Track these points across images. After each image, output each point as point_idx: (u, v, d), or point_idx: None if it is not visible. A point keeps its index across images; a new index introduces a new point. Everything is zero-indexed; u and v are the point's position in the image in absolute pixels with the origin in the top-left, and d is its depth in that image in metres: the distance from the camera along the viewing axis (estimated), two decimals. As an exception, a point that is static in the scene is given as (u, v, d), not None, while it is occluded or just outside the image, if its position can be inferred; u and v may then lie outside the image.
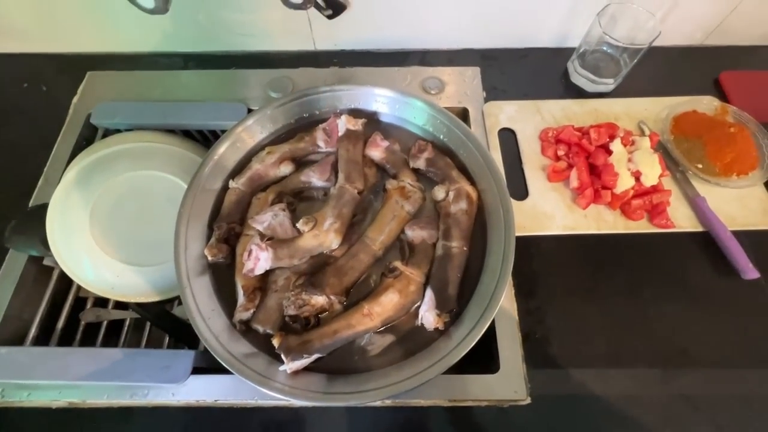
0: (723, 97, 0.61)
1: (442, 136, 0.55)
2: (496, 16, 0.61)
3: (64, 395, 0.43)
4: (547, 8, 0.60)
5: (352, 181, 0.51)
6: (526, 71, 0.64)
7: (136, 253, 0.52)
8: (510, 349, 0.45)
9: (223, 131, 0.56)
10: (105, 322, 0.56)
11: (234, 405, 0.43)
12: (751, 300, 0.47)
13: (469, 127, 0.59)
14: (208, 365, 0.46)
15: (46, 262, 0.52)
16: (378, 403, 0.43)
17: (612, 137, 0.52)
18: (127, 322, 0.57)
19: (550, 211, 0.52)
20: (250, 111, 0.59)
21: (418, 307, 0.47)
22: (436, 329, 0.45)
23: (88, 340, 0.55)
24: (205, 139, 0.65)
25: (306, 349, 0.42)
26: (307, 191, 0.56)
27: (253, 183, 0.53)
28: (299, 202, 0.55)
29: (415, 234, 0.50)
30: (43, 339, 0.51)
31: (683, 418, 0.43)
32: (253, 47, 0.65)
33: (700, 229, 0.51)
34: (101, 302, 0.57)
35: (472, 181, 0.52)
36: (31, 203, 0.54)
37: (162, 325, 0.53)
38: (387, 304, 0.45)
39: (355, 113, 0.57)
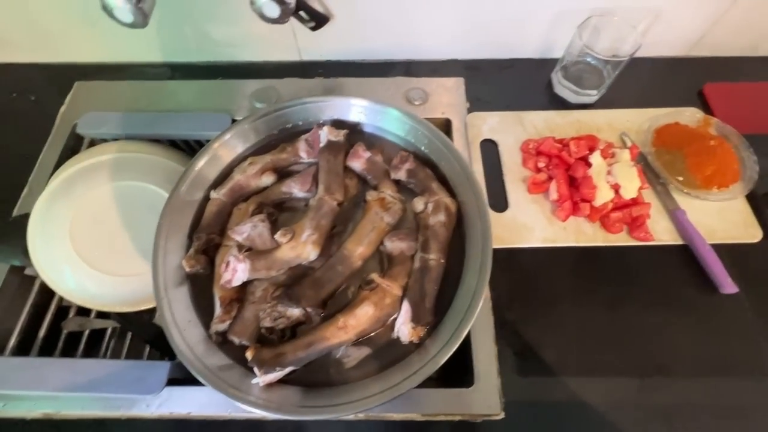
0: (707, 108, 0.61)
1: (423, 147, 0.55)
2: (480, 27, 0.61)
3: (40, 406, 0.43)
4: (530, 19, 0.60)
5: (331, 192, 0.51)
6: (510, 82, 0.64)
7: (118, 263, 0.52)
8: (485, 362, 0.45)
9: (208, 141, 0.56)
10: (87, 332, 0.56)
11: (208, 418, 0.43)
12: (729, 314, 0.47)
13: (452, 137, 0.59)
14: (184, 376, 0.46)
15: (28, 271, 0.53)
16: (351, 417, 0.43)
17: (592, 149, 0.52)
18: (109, 331, 0.57)
19: (529, 223, 0.52)
20: (234, 121, 0.60)
21: (395, 319, 0.47)
22: (412, 342, 0.45)
23: (69, 349, 0.55)
24: (191, 149, 0.65)
25: (279, 362, 0.42)
26: (289, 202, 0.56)
27: (234, 193, 0.54)
28: (281, 212, 0.55)
29: (394, 246, 0.50)
30: (23, 348, 0.51)
31: (660, 430, 0.42)
32: (239, 58, 0.66)
33: (680, 242, 0.51)
34: (84, 311, 0.57)
35: (452, 193, 0.52)
36: (15, 213, 0.54)
37: (142, 334, 0.53)
38: (362, 316, 0.45)
39: (338, 124, 0.57)
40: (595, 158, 0.51)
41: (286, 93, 0.63)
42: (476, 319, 0.47)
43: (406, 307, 0.46)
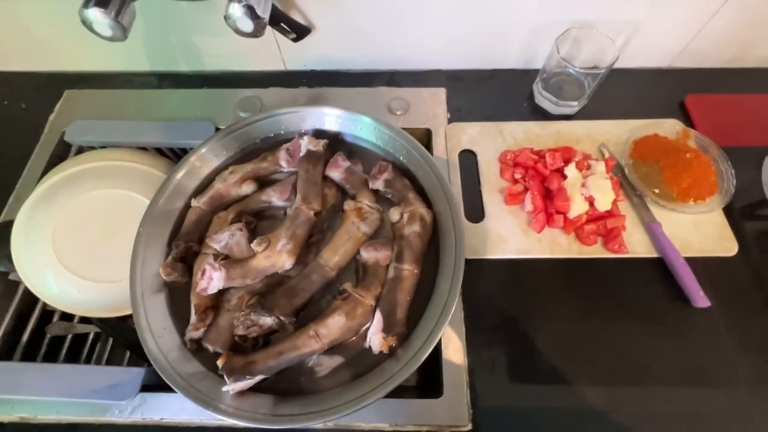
0: (688, 120, 0.61)
1: (401, 158, 0.56)
2: (461, 38, 0.62)
3: (17, 410, 0.44)
4: (511, 31, 0.61)
5: (308, 201, 0.52)
6: (491, 93, 0.64)
7: (99, 270, 0.53)
8: (455, 373, 0.45)
9: (192, 148, 0.57)
10: (70, 336, 0.57)
11: (180, 424, 0.44)
12: (701, 327, 0.47)
13: (432, 147, 0.60)
14: (160, 383, 0.47)
15: (12, 277, 0.54)
16: (320, 426, 0.44)
17: (567, 161, 0.52)
18: (92, 336, 0.58)
19: (505, 234, 0.52)
20: (217, 129, 0.60)
21: (368, 329, 0.47)
22: (383, 352, 0.45)
23: (53, 353, 0.56)
24: (177, 157, 0.66)
25: (249, 371, 0.43)
26: (268, 211, 0.57)
27: (214, 202, 0.55)
28: (262, 221, 0.56)
29: (370, 255, 0.51)
30: (6, 352, 0.52)
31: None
32: (225, 67, 0.67)
33: (655, 255, 0.51)
34: (67, 316, 0.58)
35: (429, 204, 0.53)
36: (1, 219, 0.56)
37: (122, 340, 0.54)
38: (333, 326, 0.45)
39: (319, 134, 0.58)
40: (570, 170, 0.51)
41: (269, 102, 0.64)
42: (448, 329, 0.48)
43: (378, 317, 0.46)
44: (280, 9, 0.55)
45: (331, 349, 0.47)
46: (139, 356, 0.56)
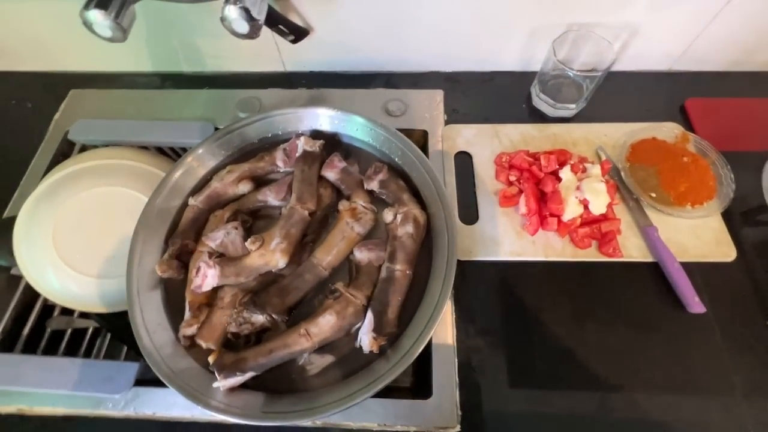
0: (688, 123, 0.60)
1: (397, 159, 0.56)
2: (459, 40, 0.62)
3: (15, 401, 0.45)
4: (509, 33, 0.61)
5: (303, 201, 0.52)
6: (489, 95, 0.64)
7: (98, 266, 0.54)
8: (445, 375, 0.45)
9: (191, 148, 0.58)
10: (69, 330, 0.58)
11: (171, 419, 0.45)
12: (696, 334, 0.46)
13: (428, 149, 0.60)
14: (153, 378, 0.47)
15: (14, 271, 0.55)
16: (309, 424, 0.44)
17: (563, 164, 0.52)
18: (90, 331, 0.59)
19: (498, 236, 0.52)
20: (216, 129, 0.61)
21: (359, 328, 0.47)
22: (372, 351, 0.45)
23: (53, 347, 0.57)
24: (177, 155, 0.67)
25: (239, 367, 0.43)
26: (265, 210, 0.57)
27: (211, 201, 0.55)
28: (258, 220, 0.57)
29: (363, 255, 0.51)
30: (8, 345, 0.53)
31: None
32: (226, 68, 0.68)
33: (650, 259, 0.50)
34: (67, 311, 0.59)
35: (423, 205, 0.53)
36: (5, 215, 0.57)
37: (119, 335, 0.55)
38: (324, 325, 0.46)
39: (316, 135, 0.59)
40: (565, 173, 0.51)
41: (268, 103, 0.64)
42: (438, 331, 0.48)
43: (369, 317, 0.47)
44: (278, 11, 0.55)
45: (322, 348, 0.47)
46: (135, 351, 0.57)
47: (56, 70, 0.70)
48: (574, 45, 0.59)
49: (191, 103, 0.65)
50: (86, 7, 0.43)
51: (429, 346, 0.47)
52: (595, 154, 0.57)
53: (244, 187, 0.56)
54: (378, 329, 0.46)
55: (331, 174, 0.56)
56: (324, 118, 0.56)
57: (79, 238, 0.54)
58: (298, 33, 0.58)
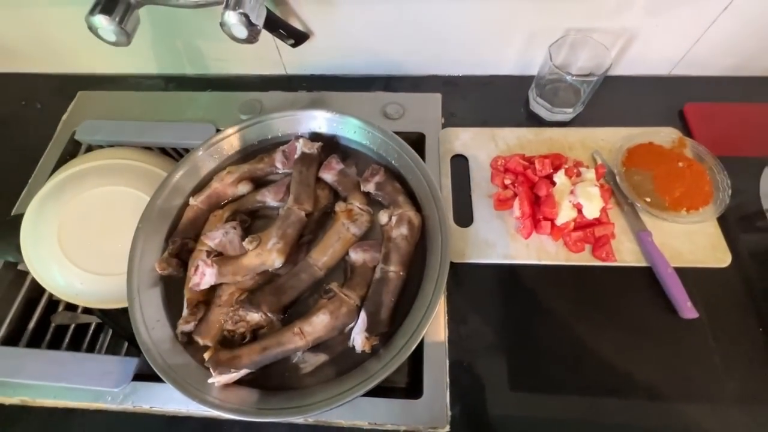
0: (687, 128, 0.60)
1: (393, 161, 0.57)
2: (457, 44, 0.62)
3: (18, 393, 0.47)
4: (507, 37, 0.61)
5: (300, 202, 0.53)
6: (487, 98, 0.65)
7: (101, 263, 0.55)
8: (436, 375, 0.46)
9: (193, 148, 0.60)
10: (73, 325, 0.60)
11: (168, 413, 0.46)
12: (688, 339, 0.46)
13: (425, 152, 0.61)
14: (151, 373, 0.49)
15: (21, 267, 0.57)
16: (301, 421, 0.45)
17: (557, 168, 0.53)
18: (93, 326, 0.60)
19: (492, 239, 0.52)
20: (218, 131, 0.62)
21: (353, 328, 0.48)
22: (365, 351, 0.46)
23: (57, 341, 0.59)
24: (180, 156, 0.69)
25: (234, 364, 0.44)
26: (263, 210, 0.58)
27: (211, 201, 0.57)
28: (256, 220, 0.58)
29: (358, 256, 0.52)
30: (13, 339, 0.55)
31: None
32: (228, 71, 0.69)
33: (644, 264, 0.50)
34: (72, 306, 0.61)
35: (418, 207, 0.54)
36: (13, 212, 0.59)
37: (120, 331, 0.57)
38: (318, 324, 0.47)
39: (315, 137, 0.60)
40: (560, 177, 0.51)
41: (269, 105, 0.65)
42: (430, 332, 0.49)
43: (362, 317, 0.47)
44: (279, 16, 0.56)
45: (316, 347, 0.48)
46: (135, 347, 0.58)
47: (65, 72, 0.72)
48: (571, 49, 0.59)
49: (194, 104, 0.67)
50: (91, 12, 0.45)
51: (421, 346, 0.48)
52: (591, 158, 0.58)
53: (244, 188, 0.57)
54: (371, 329, 0.46)
55: (328, 176, 0.57)
56: (321, 121, 0.57)
57: (84, 235, 0.55)
58: (298, 37, 0.59)
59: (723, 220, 0.52)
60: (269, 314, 0.48)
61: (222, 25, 0.45)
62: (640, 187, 0.53)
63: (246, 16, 0.44)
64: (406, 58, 0.65)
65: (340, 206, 0.55)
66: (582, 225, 0.50)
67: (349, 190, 0.57)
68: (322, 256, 0.52)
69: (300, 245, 0.54)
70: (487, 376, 0.46)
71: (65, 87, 0.70)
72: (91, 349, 0.62)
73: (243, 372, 0.45)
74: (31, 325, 0.57)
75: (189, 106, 0.67)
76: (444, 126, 0.62)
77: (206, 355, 0.45)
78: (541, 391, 0.45)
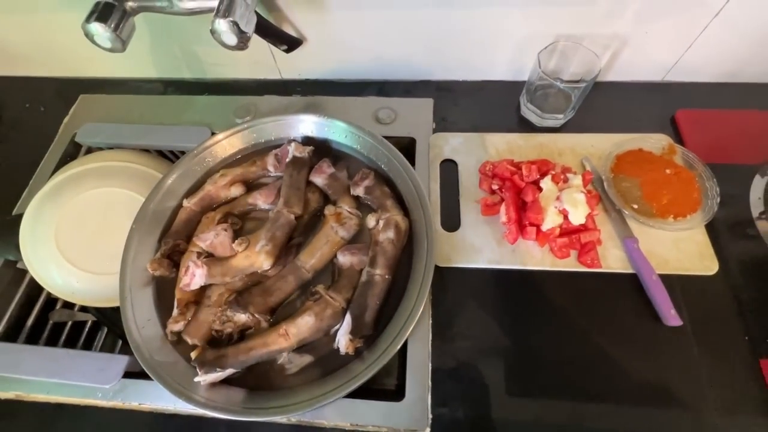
0: (678, 135, 0.60)
1: (383, 166, 0.57)
2: (449, 50, 0.63)
3: (13, 388, 0.48)
4: (497, 43, 0.61)
5: (290, 205, 0.54)
6: (479, 104, 0.65)
7: (97, 263, 0.57)
8: (418, 378, 0.46)
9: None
10: (70, 323, 0.61)
11: (155, 410, 0.47)
12: (672, 346, 0.46)
13: (415, 156, 0.61)
14: (142, 371, 0.50)
15: (20, 265, 0.58)
16: (284, 420, 0.46)
17: (544, 174, 0.53)
18: (89, 324, 0.62)
19: (478, 244, 0.53)
20: (213, 134, 0.63)
21: (338, 330, 0.49)
22: (348, 353, 0.47)
23: (54, 338, 0.60)
24: (177, 158, 0.70)
25: (220, 363, 0.45)
26: (255, 213, 0.59)
27: (204, 203, 0.58)
28: (248, 222, 0.59)
29: (345, 259, 0.52)
30: (12, 335, 0.57)
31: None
32: (225, 75, 0.71)
33: (630, 270, 0.50)
34: (69, 304, 0.62)
35: (406, 212, 0.54)
36: (14, 212, 0.61)
37: (115, 329, 0.58)
38: (303, 325, 0.47)
39: (307, 141, 0.60)
40: (546, 183, 0.51)
41: (263, 109, 0.67)
42: (414, 335, 0.49)
43: (347, 319, 0.48)
44: (271, 22, 0.58)
45: (302, 348, 0.49)
46: (128, 345, 0.60)
47: (68, 76, 0.74)
48: (562, 56, 0.60)
49: (191, 108, 0.68)
50: (87, 20, 0.46)
51: (405, 349, 0.48)
52: (581, 164, 0.58)
53: (236, 191, 0.58)
54: (355, 331, 0.47)
55: (319, 179, 0.58)
56: (311, 125, 0.58)
57: (81, 235, 0.57)
58: (291, 43, 0.60)
59: (712, 228, 0.52)
60: (256, 315, 0.49)
61: (212, 32, 0.46)
62: (628, 194, 0.53)
63: (236, 24, 0.45)
64: (399, 64, 0.66)
65: (329, 209, 0.56)
66: (568, 231, 0.51)
67: (338, 194, 0.57)
68: (310, 259, 0.53)
69: (290, 247, 0.55)
70: (469, 379, 0.47)
71: (68, 90, 0.72)
72: (87, 346, 0.64)
73: (229, 371, 0.46)
74: (30, 322, 0.59)
75: (186, 110, 0.68)
76: (435, 131, 0.63)
77: (193, 354, 0.46)
78: (523, 395, 0.45)
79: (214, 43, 0.58)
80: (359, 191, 0.56)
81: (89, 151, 0.68)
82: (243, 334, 0.50)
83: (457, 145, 0.61)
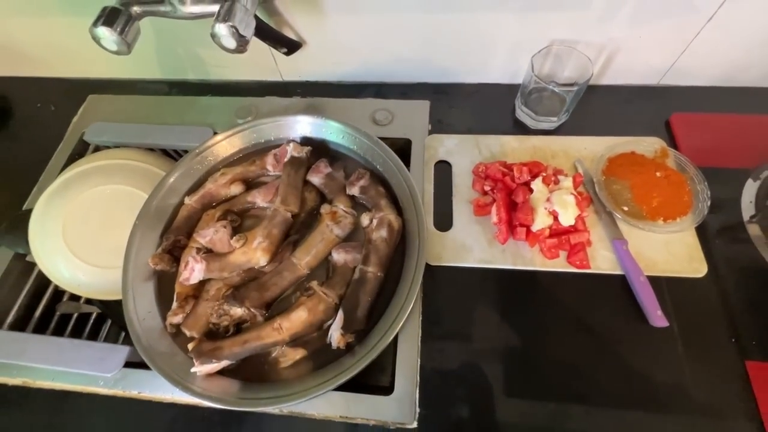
0: (672, 138, 0.60)
1: (378, 166, 0.59)
2: (445, 53, 0.64)
3: (20, 374, 0.51)
4: (492, 47, 0.62)
5: (287, 204, 0.56)
6: (474, 106, 0.66)
7: (103, 257, 0.59)
8: (406, 373, 0.48)
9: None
10: (76, 314, 0.64)
11: (154, 399, 0.49)
12: (658, 348, 0.47)
13: (410, 157, 0.62)
14: (141, 360, 0.52)
15: (29, 258, 0.61)
16: (276, 411, 0.47)
17: (535, 176, 0.54)
18: (94, 316, 0.64)
19: (469, 243, 0.54)
20: (215, 134, 0.65)
21: (331, 325, 0.50)
22: (340, 347, 0.48)
23: (60, 329, 0.63)
24: (180, 156, 0.72)
25: (215, 355, 0.47)
26: (254, 210, 0.61)
27: (204, 201, 0.60)
28: (246, 220, 0.61)
29: (339, 257, 0.54)
30: (20, 325, 0.59)
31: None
32: (228, 77, 0.73)
33: (619, 272, 0.51)
34: (75, 297, 0.65)
35: (400, 211, 0.56)
36: (24, 207, 0.63)
37: (117, 321, 0.60)
38: (296, 320, 0.49)
39: (306, 141, 0.62)
40: (537, 184, 0.52)
41: (264, 110, 0.68)
42: (404, 331, 0.50)
43: (340, 314, 0.50)
44: (272, 26, 0.59)
45: (296, 343, 0.50)
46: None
47: (78, 77, 0.77)
48: (557, 59, 0.61)
49: (194, 108, 0.70)
50: (95, 24, 0.48)
51: (395, 344, 0.50)
52: (573, 166, 0.58)
53: (236, 189, 0.60)
54: (347, 326, 0.48)
55: (316, 179, 0.59)
56: (308, 126, 0.60)
57: (87, 231, 0.59)
58: (290, 46, 0.62)
59: (702, 231, 0.52)
60: (252, 309, 0.51)
61: (213, 36, 0.48)
62: (619, 196, 0.54)
63: (235, 28, 0.47)
64: (396, 67, 0.67)
65: (325, 208, 0.57)
66: (557, 232, 0.51)
67: (334, 193, 0.59)
68: (305, 256, 0.54)
69: (286, 244, 0.57)
70: (457, 375, 0.48)
71: (77, 90, 0.75)
72: (92, 338, 0.66)
73: (224, 363, 0.48)
74: (37, 313, 0.61)
75: (189, 110, 0.70)
76: (431, 132, 0.64)
77: (190, 346, 0.48)
78: (507, 394, 0.46)
79: (216, 45, 0.60)
80: (355, 191, 0.57)
81: (97, 149, 0.70)
82: (239, 327, 0.52)
83: (451, 146, 0.62)
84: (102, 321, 0.68)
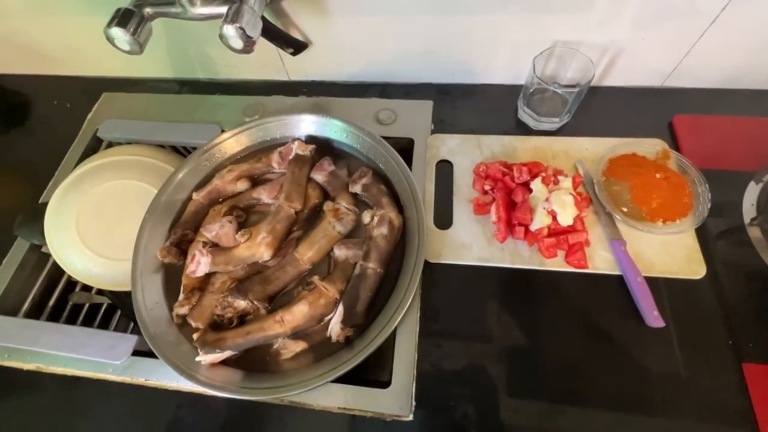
0: (675, 140, 0.60)
1: (381, 165, 0.60)
2: (448, 54, 0.65)
3: (34, 360, 0.53)
4: (495, 48, 0.63)
5: (291, 200, 0.57)
6: (477, 106, 0.67)
7: (114, 250, 0.61)
8: (404, 367, 0.49)
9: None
10: (87, 304, 0.66)
11: (160, 386, 0.51)
12: (654, 348, 0.47)
13: (412, 157, 0.63)
14: (149, 350, 0.54)
15: (44, 250, 0.63)
16: (277, 401, 0.49)
17: (535, 176, 0.54)
18: (105, 306, 0.67)
19: (468, 241, 0.55)
20: (223, 132, 0.67)
21: (331, 319, 0.52)
22: (339, 341, 0.49)
23: (72, 318, 0.65)
24: (189, 153, 0.74)
25: (219, 345, 0.49)
26: (259, 206, 0.63)
27: (211, 196, 0.61)
28: (252, 215, 0.62)
29: (341, 253, 0.55)
30: (35, 313, 0.62)
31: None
32: (236, 76, 0.75)
33: (616, 272, 0.51)
34: (87, 287, 0.67)
35: (401, 209, 0.57)
36: (40, 200, 0.66)
37: (127, 311, 0.62)
38: (297, 313, 0.50)
39: (311, 140, 0.63)
40: (536, 184, 0.53)
41: (270, 109, 0.70)
42: (403, 326, 0.51)
43: (340, 309, 0.51)
44: (279, 27, 0.61)
45: (297, 335, 0.52)
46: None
47: (92, 75, 0.79)
48: (560, 60, 0.61)
49: (203, 107, 0.72)
50: (109, 25, 0.50)
51: (393, 339, 0.51)
52: (574, 167, 0.59)
53: (242, 185, 0.62)
54: (347, 321, 0.50)
55: (319, 176, 0.61)
56: (311, 124, 0.61)
57: (99, 224, 0.61)
58: (297, 46, 0.63)
59: (702, 233, 0.52)
60: (255, 302, 0.52)
61: (221, 36, 0.50)
62: (619, 197, 0.54)
63: (242, 29, 0.49)
64: (399, 67, 0.68)
65: (327, 205, 0.58)
66: (556, 232, 0.52)
67: (337, 191, 0.60)
68: (308, 251, 0.55)
69: (289, 240, 0.58)
70: (453, 371, 0.48)
71: (92, 88, 0.77)
72: (103, 326, 0.68)
73: (227, 353, 0.49)
74: (51, 302, 0.64)
75: (199, 108, 0.72)
76: (433, 132, 0.65)
77: (195, 336, 0.49)
78: (500, 392, 0.47)
79: (225, 45, 0.62)
80: (357, 188, 0.59)
81: (110, 145, 0.73)
82: (242, 319, 0.54)
83: (453, 146, 0.63)
84: (112, 311, 0.71)
